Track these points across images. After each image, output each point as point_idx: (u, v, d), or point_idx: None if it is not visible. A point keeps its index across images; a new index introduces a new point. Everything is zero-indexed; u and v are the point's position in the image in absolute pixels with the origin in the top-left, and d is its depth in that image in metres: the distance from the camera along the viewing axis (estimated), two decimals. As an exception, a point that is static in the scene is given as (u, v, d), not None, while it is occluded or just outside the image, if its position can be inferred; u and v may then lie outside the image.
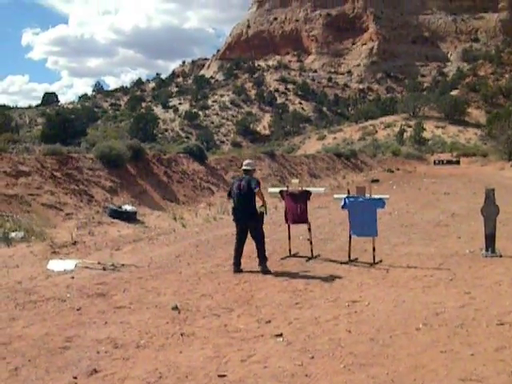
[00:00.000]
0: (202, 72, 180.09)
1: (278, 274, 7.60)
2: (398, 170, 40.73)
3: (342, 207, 8.53)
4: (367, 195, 8.34)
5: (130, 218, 13.17)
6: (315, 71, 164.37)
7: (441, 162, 47.31)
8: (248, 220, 7.84)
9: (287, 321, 5.44)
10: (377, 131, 77.47)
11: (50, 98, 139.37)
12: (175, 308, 5.89)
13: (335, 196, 9.56)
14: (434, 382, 3.93)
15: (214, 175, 20.98)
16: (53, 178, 13.64)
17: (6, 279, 7.35)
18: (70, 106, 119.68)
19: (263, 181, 23.00)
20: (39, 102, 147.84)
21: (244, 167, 8.10)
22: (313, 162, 33.42)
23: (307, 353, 4.53)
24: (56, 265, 8.14)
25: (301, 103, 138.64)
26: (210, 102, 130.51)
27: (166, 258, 8.93)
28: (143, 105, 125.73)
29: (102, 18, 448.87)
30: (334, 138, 74.88)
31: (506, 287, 6.50)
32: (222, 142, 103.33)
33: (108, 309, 5.97)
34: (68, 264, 8.19)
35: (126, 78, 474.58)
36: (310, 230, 8.96)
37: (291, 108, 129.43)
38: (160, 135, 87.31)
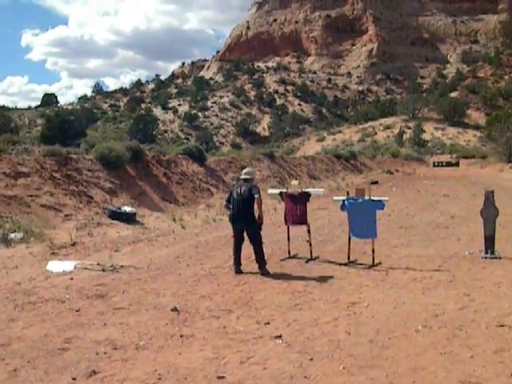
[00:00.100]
0: (201, 73, 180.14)
1: (277, 276, 7.60)
2: (398, 171, 40.77)
3: (342, 209, 8.53)
4: (366, 197, 8.34)
5: (129, 219, 13.17)
6: (315, 73, 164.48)
7: (440, 164, 47.31)
8: (245, 224, 7.83)
9: (286, 322, 5.43)
10: (376, 133, 77.51)
11: (49, 99, 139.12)
12: (174, 309, 5.89)
13: (334, 197, 9.56)
14: None
15: (214, 176, 20.98)
16: (52, 179, 13.64)
17: (5, 280, 7.35)
18: (70, 107, 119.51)
19: (263, 182, 23.02)
20: (39, 103, 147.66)
21: (243, 176, 8.12)
22: (312, 163, 33.44)
23: (306, 354, 4.53)
24: (55, 266, 8.14)
25: (300, 104, 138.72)
26: (209, 104, 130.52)
27: (166, 260, 8.93)
28: (143, 106, 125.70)
29: (102, 19, 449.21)
30: (334, 140, 74.89)
31: (505, 289, 6.50)
32: (222, 143, 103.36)
33: (107, 310, 5.96)
34: (67, 265, 8.19)
35: (126, 79, 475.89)
36: (309, 231, 8.95)
37: (291, 109, 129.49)
38: (159, 136, 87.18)
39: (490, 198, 8.68)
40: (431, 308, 5.77)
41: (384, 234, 10.39)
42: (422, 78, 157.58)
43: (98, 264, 8.28)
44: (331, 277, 7.44)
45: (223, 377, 4.11)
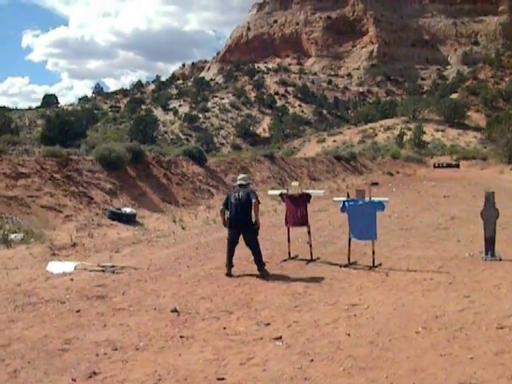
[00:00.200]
0: (201, 74, 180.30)
1: (277, 277, 7.59)
2: (398, 173, 40.77)
3: (342, 210, 8.52)
4: (367, 198, 8.34)
5: (129, 220, 13.17)
6: (315, 74, 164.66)
7: (440, 165, 47.29)
8: (243, 228, 7.82)
9: (286, 324, 5.43)
10: (376, 134, 77.43)
11: (49, 100, 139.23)
12: (174, 310, 5.89)
13: (335, 199, 9.56)
14: (434, 385, 3.93)
15: (214, 178, 20.98)
16: (52, 180, 13.64)
17: (5, 281, 7.35)
18: (70, 108, 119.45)
19: (263, 183, 23.04)
20: (39, 103, 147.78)
21: (239, 182, 8.13)
22: (312, 164, 33.45)
23: (306, 356, 4.53)
24: (55, 267, 8.13)
25: (300, 106, 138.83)
26: (209, 105, 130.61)
27: (166, 261, 8.92)
28: (143, 107, 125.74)
29: (103, 20, 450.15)
30: (334, 141, 74.83)
31: (505, 291, 6.49)
32: (222, 144, 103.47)
33: (107, 311, 5.96)
34: (67, 266, 8.19)
35: (126, 80, 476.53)
36: (309, 232, 8.95)
37: (291, 111, 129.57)
38: (160, 137, 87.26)
39: (490, 199, 8.68)
40: (431, 310, 5.76)
41: (384, 235, 10.39)
42: (423, 79, 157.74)
43: (98, 265, 8.29)
44: (331, 278, 7.43)
45: (223, 378, 4.11)
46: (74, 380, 4.11)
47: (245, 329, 5.31)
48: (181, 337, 5.07)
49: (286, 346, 4.79)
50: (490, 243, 8.47)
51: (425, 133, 68.02)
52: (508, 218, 11.28)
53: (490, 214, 8.57)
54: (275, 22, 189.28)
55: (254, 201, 7.70)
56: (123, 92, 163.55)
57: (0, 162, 13.09)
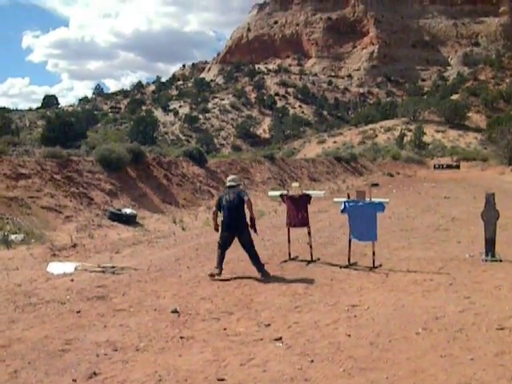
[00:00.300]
0: (202, 75, 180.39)
1: (277, 278, 7.59)
2: (398, 174, 40.78)
3: (342, 211, 8.52)
4: (367, 199, 8.34)
5: (129, 220, 13.17)
6: (315, 75, 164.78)
7: (441, 167, 47.30)
8: (238, 231, 7.79)
9: (287, 325, 5.43)
10: (377, 135, 77.49)
11: (50, 101, 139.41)
12: (175, 311, 5.89)
13: (335, 200, 9.56)
14: (434, 386, 3.93)
15: (214, 178, 20.99)
16: (53, 181, 13.65)
17: (5, 282, 7.35)
18: (70, 109, 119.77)
19: (263, 184, 23.04)
20: (39, 104, 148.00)
21: (229, 183, 8.10)
22: (313, 165, 33.46)
23: (307, 357, 4.53)
24: (56, 267, 8.14)
25: (301, 107, 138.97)
26: (210, 106, 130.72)
27: (166, 261, 8.93)
28: (143, 108, 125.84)
29: (103, 21, 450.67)
30: (334, 142, 74.87)
31: (505, 292, 6.49)
32: (222, 145, 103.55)
33: (107, 312, 5.96)
34: (68, 267, 8.19)
35: (126, 81, 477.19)
36: (309, 233, 8.95)
37: (291, 112, 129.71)
38: (160, 138, 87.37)
39: (490, 200, 8.68)
40: (431, 311, 5.76)
41: (384, 236, 10.39)
42: (423, 80, 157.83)
43: (99, 266, 8.29)
44: (331, 279, 7.43)
45: (223, 379, 4.11)
46: (74, 380, 4.11)
47: (245, 330, 5.31)
48: (181, 337, 5.07)
49: (286, 346, 4.79)
50: (490, 244, 8.47)
51: (425, 134, 68.03)
52: (508, 219, 11.28)
53: (490, 215, 8.57)
54: (275, 22, 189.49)
55: (246, 198, 7.67)
56: (123, 93, 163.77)
57: (0, 162, 13.10)
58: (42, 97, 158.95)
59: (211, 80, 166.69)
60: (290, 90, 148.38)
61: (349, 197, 8.69)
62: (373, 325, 5.35)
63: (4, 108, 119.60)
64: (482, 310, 5.77)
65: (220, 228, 7.97)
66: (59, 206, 12.63)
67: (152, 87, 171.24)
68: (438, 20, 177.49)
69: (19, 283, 7.26)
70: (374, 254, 8.15)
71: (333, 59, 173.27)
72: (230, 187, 8.02)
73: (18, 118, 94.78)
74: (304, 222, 8.93)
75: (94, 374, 4.22)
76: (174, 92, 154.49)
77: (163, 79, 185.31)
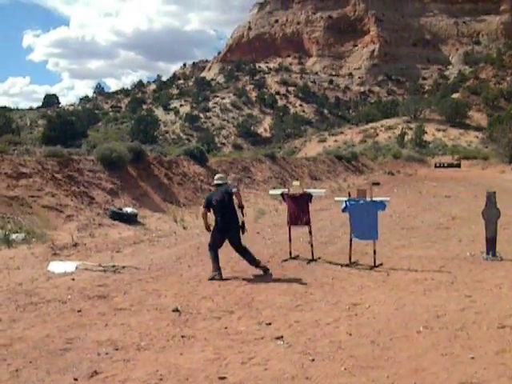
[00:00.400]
0: (202, 74, 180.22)
1: (278, 277, 7.60)
2: (399, 172, 40.73)
3: (343, 210, 8.52)
4: (368, 198, 8.34)
5: (130, 220, 13.18)
6: (316, 74, 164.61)
7: (442, 165, 47.21)
8: (230, 232, 7.78)
9: (288, 323, 5.43)
10: (378, 134, 77.40)
11: (50, 100, 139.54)
12: (176, 310, 5.90)
13: (336, 199, 9.56)
14: (435, 385, 3.93)
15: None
16: (54, 180, 13.66)
17: (6, 281, 7.36)
18: (71, 108, 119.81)
19: (264, 183, 23.04)
20: (40, 103, 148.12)
21: (216, 181, 8.11)
22: (314, 164, 33.44)
23: (308, 355, 4.53)
24: (57, 267, 8.15)
25: (302, 105, 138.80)
26: (210, 104, 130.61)
27: (167, 260, 8.94)
28: (144, 107, 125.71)
29: (103, 20, 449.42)
30: (335, 141, 74.82)
31: (506, 290, 6.49)
32: (223, 144, 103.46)
33: (109, 311, 5.97)
34: (69, 266, 8.20)
35: (127, 80, 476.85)
36: (310, 232, 8.95)
37: (292, 110, 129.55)
38: (161, 137, 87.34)
39: (491, 199, 8.67)
40: (432, 309, 5.76)
41: (385, 235, 10.39)
42: (424, 79, 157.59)
43: (100, 265, 8.30)
44: (332, 278, 7.44)
45: (224, 377, 4.12)
46: (75, 379, 4.12)
47: (246, 328, 5.31)
48: (182, 336, 5.08)
49: (287, 345, 4.80)
50: (491, 243, 8.47)
51: (426, 132, 67.97)
52: (509, 218, 11.27)
53: (491, 213, 8.57)
54: (276, 21, 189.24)
55: (234, 190, 7.72)
56: (124, 92, 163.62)
57: (1, 162, 13.11)
58: (43, 96, 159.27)
59: (212, 79, 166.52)
60: (291, 88, 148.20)
61: (350, 195, 8.69)
62: (374, 323, 5.36)
63: (5, 107, 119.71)
64: (483, 308, 5.77)
65: (212, 229, 7.91)
66: (60, 205, 12.64)
67: (153, 86, 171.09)
68: (438, 18, 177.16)
69: (20, 282, 7.27)
70: (374, 252, 8.16)
71: (334, 58, 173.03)
72: (217, 185, 8.00)
73: (19, 118, 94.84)
74: (305, 221, 8.93)
75: (95, 372, 4.23)
76: (175, 91, 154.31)
77: (164, 78, 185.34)
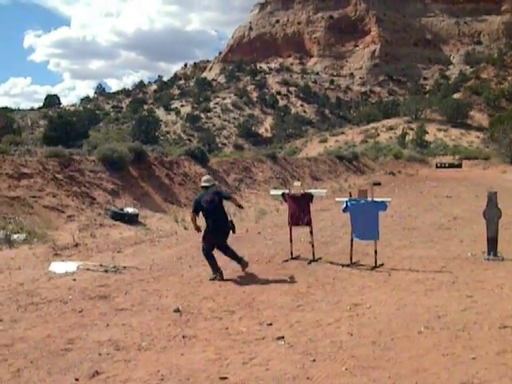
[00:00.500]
0: (203, 74, 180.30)
1: (279, 277, 7.60)
2: (400, 172, 40.67)
3: (344, 210, 8.52)
4: (369, 198, 8.33)
5: (131, 220, 13.19)
6: (317, 74, 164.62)
7: (443, 165, 47.13)
8: (222, 233, 7.79)
9: (289, 323, 5.43)
10: (379, 134, 77.36)
11: (51, 100, 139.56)
12: (177, 310, 5.90)
13: (337, 199, 9.56)
14: (436, 385, 3.93)
15: (216, 178, 20.97)
16: (55, 180, 13.67)
17: (8, 281, 7.37)
18: (72, 109, 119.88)
19: (265, 183, 23.04)
20: (41, 104, 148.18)
21: (203, 184, 8.05)
22: (315, 164, 33.42)
23: (309, 355, 4.53)
24: (58, 267, 8.15)
25: (303, 106, 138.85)
26: (211, 105, 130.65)
27: (168, 261, 8.94)
28: (145, 107, 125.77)
29: (105, 21, 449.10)
30: (336, 141, 74.80)
31: (507, 291, 6.49)
32: (224, 144, 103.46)
33: (110, 311, 5.97)
34: (70, 266, 8.21)
35: (128, 81, 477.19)
36: (311, 232, 8.95)
37: (293, 110, 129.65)
38: (162, 137, 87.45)
39: (492, 199, 8.67)
40: (434, 309, 5.76)
41: (386, 235, 10.39)
42: (425, 79, 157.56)
43: (101, 265, 8.30)
44: (334, 278, 7.43)
45: (226, 378, 4.12)
46: (76, 379, 4.12)
47: (247, 328, 5.31)
48: (183, 336, 5.08)
49: (288, 345, 4.80)
50: (492, 243, 8.46)
51: (427, 133, 67.93)
52: (510, 218, 11.25)
53: (492, 213, 8.56)
54: (277, 21, 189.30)
55: (232, 196, 8.04)
56: (125, 92, 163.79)
57: (3, 162, 13.12)
58: (44, 96, 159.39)
59: (213, 79, 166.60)
60: (292, 88, 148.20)
61: (351, 196, 8.69)
62: (375, 323, 5.35)
63: (6, 108, 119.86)
64: (484, 308, 5.77)
65: (204, 233, 7.87)
66: (61, 206, 12.65)
67: (154, 86, 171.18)
68: (440, 18, 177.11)
69: (21, 282, 7.28)
70: (376, 252, 8.15)
71: (334, 58, 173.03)
72: (205, 187, 7.95)
73: (20, 118, 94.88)
74: (306, 221, 8.93)
75: (97, 373, 4.23)
76: (176, 91, 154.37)
77: (165, 78, 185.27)
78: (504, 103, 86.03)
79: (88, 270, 8.09)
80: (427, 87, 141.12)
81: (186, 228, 13.00)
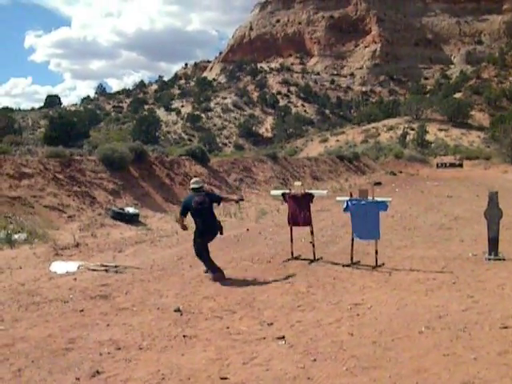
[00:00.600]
0: (204, 74, 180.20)
1: (280, 277, 7.60)
2: (401, 172, 40.64)
3: (345, 210, 8.51)
4: (370, 198, 8.33)
5: (132, 220, 13.19)
6: (318, 74, 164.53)
7: (444, 165, 47.10)
8: (210, 235, 7.82)
9: (289, 323, 5.43)
10: (379, 134, 77.27)
11: (52, 101, 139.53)
12: (177, 310, 5.90)
13: (338, 199, 9.55)
14: (437, 385, 3.93)
15: (217, 178, 20.98)
16: (55, 180, 13.68)
17: (9, 281, 7.37)
18: (73, 109, 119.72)
19: (266, 183, 23.04)
20: (42, 104, 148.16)
21: (192, 186, 8.02)
22: (315, 164, 33.40)
23: (309, 355, 4.53)
24: (59, 267, 8.16)
25: (303, 106, 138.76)
26: (212, 105, 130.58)
27: (169, 260, 8.94)
28: (146, 107, 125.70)
29: (105, 21, 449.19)
30: (337, 141, 74.73)
31: (508, 291, 6.48)
32: (225, 144, 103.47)
33: (110, 311, 5.98)
34: (71, 266, 8.21)
35: (129, 81, 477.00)
36: (312, 232, 8.94)
37: (294, 110, 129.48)
38: (162, 137, 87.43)
39: (493, 199, 8.66)
40: (434, 309, 5.76)
41: (387, 235, 10.38)
42: (426, 78, 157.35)
43: (102, 265, 8.30)
44: (334, 278, 7.43)
45: (226, 377, 4.12)
46: (77, 379, 4.12)
47: (248, 328, 5.31)
48: (184, 336, 5.08)
49: (288, 345, 4.80)
50: (493, 243, 8.46)
51: (428, 132, 67.85)
52: (511, 218, 11.25)
53: (493, 213, 8.56)
54: (278, 21, 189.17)
55: (222, 196, 8.31)
56: (126, 92, 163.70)
57: (3, 162, 13.13)
58: (45, 96, 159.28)
59: (213, 79, 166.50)
60: (293, 88, 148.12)
61: (351, 195, 8.68)
62: (375, 324, 5.35)
63: (7, 108, 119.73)
64: (485, 308, 5.76)
65: (194, 236, 7.93)
66: (62, 206, 12.66)
67: (154, 86, 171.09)
68: (440, 18, 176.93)
69: (22, 282, 7.28)
70: (376, 252, 8.15)
71: (335, 58, 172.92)
72: (194, 189, 7.93)
73: (21, 118, 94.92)
74: (306, 221, 8.93)
75: (97, 372, 4.24)
76: (177, 91, 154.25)
77: (165, 78, 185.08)
78: (505, 103, 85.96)
79: (89, 269, 8.10)
80: (428, 87, 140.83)
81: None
